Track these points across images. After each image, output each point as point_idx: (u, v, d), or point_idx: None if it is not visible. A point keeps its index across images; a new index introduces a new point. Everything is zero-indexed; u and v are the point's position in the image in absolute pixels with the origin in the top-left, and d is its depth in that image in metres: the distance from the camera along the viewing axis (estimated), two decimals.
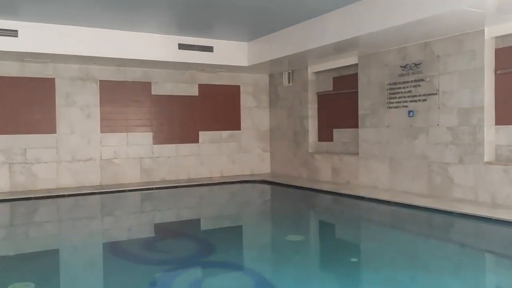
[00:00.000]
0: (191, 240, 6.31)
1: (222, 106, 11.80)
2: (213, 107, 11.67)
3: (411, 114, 8.32)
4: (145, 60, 9.78)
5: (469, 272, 4.87)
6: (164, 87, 11.08)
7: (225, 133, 11.87)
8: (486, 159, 7.22)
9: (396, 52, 8.62)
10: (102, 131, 10.40)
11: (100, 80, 10.36)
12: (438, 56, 7.85)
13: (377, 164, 9.08)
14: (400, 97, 8.54)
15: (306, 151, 11.05)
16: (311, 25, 8.71)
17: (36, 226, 7.49)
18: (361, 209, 8.18)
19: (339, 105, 10.42)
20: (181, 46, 9.84)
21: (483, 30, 7.14)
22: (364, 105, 9.34)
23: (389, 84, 8.75)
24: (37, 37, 8.58)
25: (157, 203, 9.64)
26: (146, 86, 10.88)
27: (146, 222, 7.82)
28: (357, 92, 9.55)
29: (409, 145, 8.40)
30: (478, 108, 7.27)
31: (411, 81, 8.32)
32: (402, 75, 8.50)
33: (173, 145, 11.21)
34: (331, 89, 10.68)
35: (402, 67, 8.48)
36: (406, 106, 8.42)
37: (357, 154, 9.62)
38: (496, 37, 7.20)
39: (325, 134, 10.89)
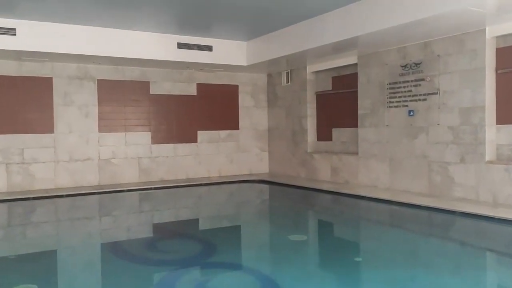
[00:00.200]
0: (193, 240, 6.26)
1: (220, 106, 11.75)
2: (212, 107, 11.63)
3: (411, 113, 8.32)
4: (144, 59, 9.72)
5: (474, 271, 4.87)
6: (162, 86, 11.02)
7: (223, 133, 11.83)
8: (487, 158, 7.23)
9: (396, 52, 8.62)
10: (100, 131, 10.33)
11: (98, 79, 10.29)
12: (438, 55, 7.85)
13: (377, 164, 9.07)
14: (400, 97, 8.54)
15: (305, 150, 11.03)
16: (310, 24, 8.69)
17: (34, 226, 7.42)
18: (362, 209, 8.17)
19: (338, 104, 10.41)
20: (180, 45, 9.79)
21: (484, 29, 7.15)
22: (363, 104, 9.34)
23: (389, 83, 8.75)
24: (36, 35, 8.49)
25: (156, 203, 9.57)
26: (144, 85, 10.82)
27: (146, 223, 7.76)
28: (356, 91, 9.54)
29: (409, 144, 8.40)
30: (479, 107, 7.28)
31: (412, 81, 8.32)
32: (402, 74, 8.50)
33: (172, 145, 11.16)
34: (330, 88, 10.67)
35: (402, 66, 8.48)
36: (406, 106, 8.42)
37: (357, 153, 9.61)
38: (497, 37, 7.22)
39: (324, 134, 10.88)
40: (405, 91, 8.44)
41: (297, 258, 5.25)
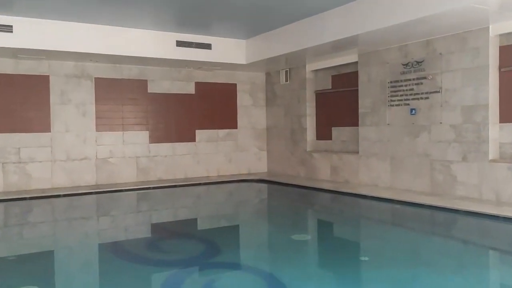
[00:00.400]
0: (195, 241, 6.17)
1: (218, 105, 11.66)
2: (210, 106, 11.53)
3: (413, 112, 8.28)
4: (142, 57, 9.61)
5: (480, 269, 4.84)
6: (160, 85, 10.91)
7: (222, 132, 11.74)
8: (490, 157, 7.20)
9: (397, 50, 8.58)
10: (97, 130, 10.20)
11: (95, 78, 10.16)
12: (440, 54, 7.81)
13: (377, 163, 9.02)
14: (401, 95, 8.50)
15: (304, 149, 10.97)
16: (310, 23, 8.63)
17: (32, 227, 7.29)
18: (365, 208, 8.12)
19: (338, 103, 10.36)
20: (179, 43, 9.69)
21: (488, 27, 7.12)
22: (364, 103, 9.29)
23: (391, 82, 8.71)
24: (33, 33, 8.37)
25: (154, 203, 9.45)
26: (142, 84, 10.71)
27: (144, 223, 7.65)
28: (356, 90, 9.49)
29: (411, 143, 8.36)
30: (482, 105, 7.25)
31: (413, 79, 8.28)
32: (403, 73, 8.45)
33: (170, 144, 11.05)
34: (330, 87, 10.61)
35: (404, 65, 8.44)
36: (408, 104, 8.38)
37: (357, 152, 9.56)
38: (501, 35, 7.19)
39: (323, 133, 10.82)
40: (406, 90, 8.40)
41: (301, 258, 5.19)
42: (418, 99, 8.21)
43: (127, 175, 10.51)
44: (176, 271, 4.78)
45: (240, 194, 10.44)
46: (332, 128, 10.57)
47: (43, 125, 9.66)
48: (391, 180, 8.77)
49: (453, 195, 7.65)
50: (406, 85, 8.41)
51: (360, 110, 9.38)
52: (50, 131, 9.72)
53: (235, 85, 11.92)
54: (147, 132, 10.79)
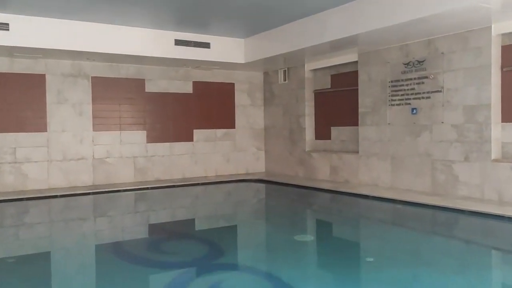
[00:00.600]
0: (197, 242, 6.09)
1: (216, 104, 11.57)
2: (208, 105, 11.44)
3: (414, 111, 8.25)
4: (140, 56, 9.49)
5: (484, 270, 4.83)
6: (158, 84, 10.80)
7: (220, 132, 11.65)
8: (493, 156, 7.18)
9: (398, 49, 8.54)
10: (94, 129, 10.07)
11: (92, 77, 10.04)
12: (442, 53, 7.79)
13: (378, 162, 8.98)
14: (402, 95, 8.46)
15: (303, 149, 10.91)
16: (310, 22, 8.58)
17: (29, 228, 7.17)
18: (366, 208, 8.06)
19: (338, 103, 10.31)
20: (178, 42, 9.59)
21: (490, 27, 7.10)
22: (364, 102, 9.24)
23: (391, 81, 8.67)
24: (29, 30, 8.23)
25: (152, 203, 9.33)
26: (139, 83, 10.59)
27: (142, 223, 7.54)
28: (356, 89, 9.44)
29: (412, 143, 8.32)
30: (485, 105, 7.23)
31: (414, 78, 8.24)
32: (404, 72, 8.42)
33: (167, 144, 10.94)
34: (329, 86, 10.55)
35: (405, 64, 8.40)
36: (409, 104, 8.34)
37: (356, 152, 9.52)
38: (503, 34, 7.17)
39: (322, 132, 10.77)
40: (408, 89, 8.36)
41: (306, 259, 5.13)
42: (419, 98, 8.17)
43: (124, 175, 10.39)
44: (180, 273, 4.70)
45: (240, 194, 10.36)
46: (331, 127, 10.51)
47: (39, 125, 9.52)
48: (391, 180, 8.74)
49: (455, 195, 7.63)
50: (407, 85, 8.37)
51: (360, 110, 9.34)
52: (46, 131, 9.58)
53: (232, 84, 11.83)
54: (145, 131, 10.68)
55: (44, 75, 9.55)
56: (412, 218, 7.16)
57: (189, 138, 11.23)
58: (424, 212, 7.11)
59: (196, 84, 11.28)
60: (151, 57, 9.57)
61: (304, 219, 7.81)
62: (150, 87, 10.71)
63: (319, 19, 8.36)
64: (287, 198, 9.49)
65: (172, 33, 9.56)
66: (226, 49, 10.25)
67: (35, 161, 9.47)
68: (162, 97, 10.85)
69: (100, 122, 10.12)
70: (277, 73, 11.57)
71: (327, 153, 10.25)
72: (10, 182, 9.24)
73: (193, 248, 5.70)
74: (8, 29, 8.02)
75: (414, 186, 8.30)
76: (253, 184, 10.81)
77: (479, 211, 6.57)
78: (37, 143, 9.49)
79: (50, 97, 9.61)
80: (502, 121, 7.27)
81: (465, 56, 7.47)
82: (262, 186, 10.65)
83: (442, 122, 7.82)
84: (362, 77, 9.28)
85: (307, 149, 10.84)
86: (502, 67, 7.23)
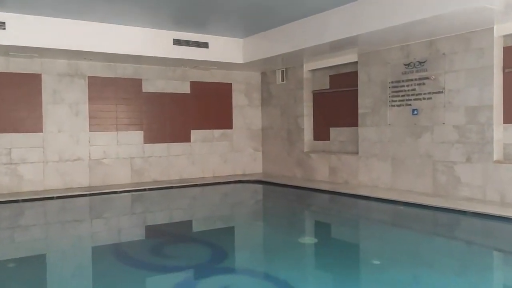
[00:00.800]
0: (198, 244, 5.99)
1: (214, 104, 11.48)
2: (205, 105, 11.35)
3: (415, 112, 8.22)
4: (138, 56, 9.38)
5: (488, 271, 4.82)
6: (155, 84, 10.69)
7: (217, 132, 11.56)
8: (495, 157, 7.17)
9: (398, 50, 8.51)
10: (91, 130, 9.94)
11: (89, 77, 9.90)
12: (444, 54, 7.77)
13: (378, 163, 8.95)
14: (403, 95, 8.44)
15: (301, 150, 10.85)
16: (310, 22, 8.53)
17: (24, 230, 7.04)
18: (367, 209, 8.02)
19: (337, 103, 10.26)
20: (176, 42, 9.49)
21: (492, 28, 7.09)
22: (364, 103, 9.21)
23: (392, 82, 8.64)
24: (26, 29, 8.09)
25: (149, 204, 9.19)
26: (136, 83, 10.47)
27: (139, 225, 7.43)
28: (355, 90, 9.41)
29: (413, 143, 8.30)
30: (486, 106, 7.22)
31: (415, 79, 8.22)
32: (405, 73, 8.39)
33: (165, 144, 10.84)
34: (328, 87, 10.51)
35: (405, 65, 8.37)
36: (410, 105, 8.32)
37: (356, 153, 9.48)
38: (505, 36, 7.17)
39: (321, 133, 10.72)
40: (408, 90, 8.34)
41: (313, 262, 5.07)
42: (420, 99, 8.15)
43: (121, 176, 10.26)
44: (185, 276, 4.62)
45: (240, 195, 10.26)
46: (330, 128, 10.47)
47: (35, 125, 9.37)
48: (392, 181, 8.71)
49: (456, 196, 7.61)
50: (408, 85, 8.35)
51: (360, 111, 9.30)
52: (42, 131, 9.43)
53: (230, 84, 11.75)
54: (142, 132, 10.56)
55: (40, 74, 9.39)
56: (415, 219, 7.13)
57: (187, 139, 11.13)
58: (426, 213, 7.09)
59: (193, 84, 11.18)
60: (148, 56, 9.46)
61: (306, 221, 7.75)
62: (147, 87, 10.60)
63: (319, 20, 8.32)
64: (287, 199, 9.41)
65: (170, 33, 9.46)
66: (225, 49, 10.17)
67: (31, 162, 9.32)
68: (159, 97, 10.73)
69: (96, 123, 9.99)
70: (275, 73, 11.51)
71: (326, 154, 10.20)
72: (5, 183, 9.08)
73: (194, 251, 5.60)
74: (4, 28, 7.88)
75: (415, 187, 8.28)
76: (251, 185, 10.73)
77: (481, 212, 6.56)
78: (32, 143, 9.34)
79: (46, 97, 9.46)
80: (504, 122, 7.27)
81: (467, 57, 7.45)
82: (260, 187, 10.58)
83: (444, 123, 7.80)
84: (362, 78, 9.25)
85: (305, 150, 10.79)
86: (504, 68, 7.23)
